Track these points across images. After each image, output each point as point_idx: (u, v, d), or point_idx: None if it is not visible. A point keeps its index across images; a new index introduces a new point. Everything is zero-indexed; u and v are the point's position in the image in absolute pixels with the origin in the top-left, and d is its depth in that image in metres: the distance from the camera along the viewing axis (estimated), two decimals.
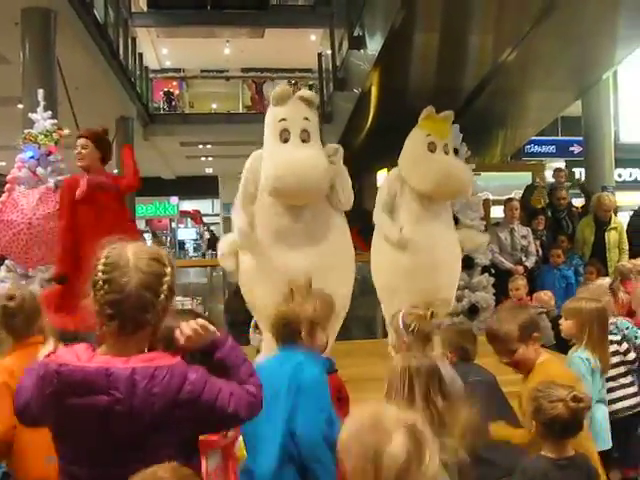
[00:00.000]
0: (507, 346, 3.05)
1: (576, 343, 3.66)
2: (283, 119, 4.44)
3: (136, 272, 1.70)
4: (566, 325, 3.69)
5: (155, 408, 1.65)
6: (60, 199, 5.37)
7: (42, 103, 6.52)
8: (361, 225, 5.44)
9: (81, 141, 5.24)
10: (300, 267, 4.23)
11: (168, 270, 1.77)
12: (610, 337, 3.91)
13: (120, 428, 1.66)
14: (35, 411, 1.75)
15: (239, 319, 6.17)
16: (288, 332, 2.75)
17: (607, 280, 6.37)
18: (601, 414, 3.54)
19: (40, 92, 6.65)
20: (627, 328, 4.43)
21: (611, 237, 7.81)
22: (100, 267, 1.72)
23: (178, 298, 6.87)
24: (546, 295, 6.31)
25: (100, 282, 1.71)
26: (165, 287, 1.75)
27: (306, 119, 4.45)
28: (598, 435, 3.46)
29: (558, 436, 2.51)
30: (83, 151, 5.21)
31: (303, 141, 4.39)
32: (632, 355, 4.12)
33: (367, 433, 1.51)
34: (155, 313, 1.74)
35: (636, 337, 4.46)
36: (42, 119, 6.40)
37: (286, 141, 4.39)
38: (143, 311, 1.71)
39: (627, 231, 8.02)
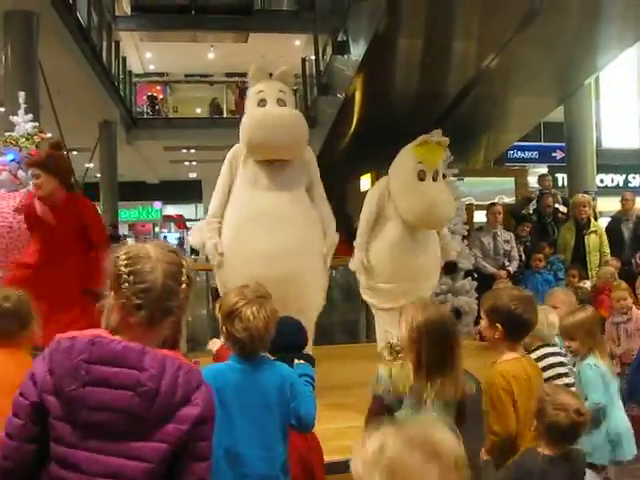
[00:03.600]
0: (481, 314, 3.13)
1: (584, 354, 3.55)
2: (260, 91, 4.73)
3: (159, 262, 1.80)
4: (575, 346, 3.55)
5: (176, 397, 1.72)
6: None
7: (23, 106, 6.48)
8: (343, 230, 5.46)
9: (36, 171, 4.77)
10: (275, 248, 4.46)
11: (184, 261, 1.87)
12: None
13: (142, 405, 1.70)
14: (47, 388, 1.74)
15: None
16: (262, 345, 2.59)
17: (587, 283, 6.45)
18: (621, 422, 3.43)
19: (21, 95, 6.60)
20: None
21: (591, 241, 7.86)
22: (122, 262, 1.79)
23: None
24: None
25: (124, 275, 1.78)
26: (185, 277, 1.84)
27: (281, 91, 4.75)
28: (619, 444, 3.38)
29: (555, 440, 2.57)
30: (37, 181, 4.75)
31: (280, 106, 4.68)
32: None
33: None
34: (179, 301, 1.82)
35: None
36: (23, 122, 6.36)
37: (263, 106, 4.67)
38: (169, 299, 1.80)
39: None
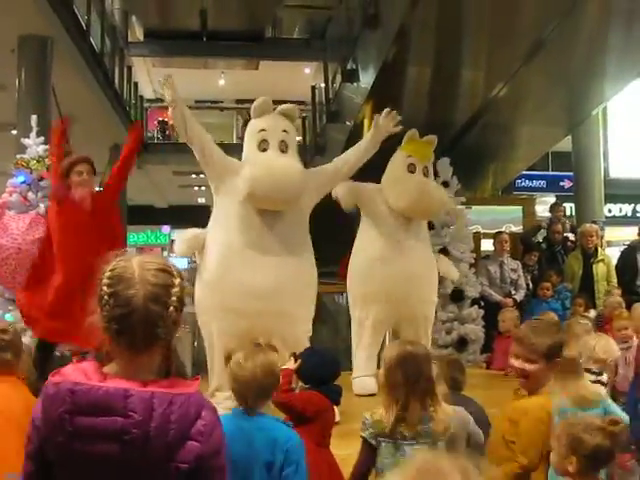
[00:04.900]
0: (529, 354, 2.93)
1: None
2: (262, 129, 4.63)
3: (143, 284, 1.61)
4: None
5: (170, 436, 1.57)
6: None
7: (35, 129, 6.54)
8: (347, 261, 5.50)
9: (87, 167, 5.04)
10: (264, 284, 4.41)
11: (177, 281, 1.66)
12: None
13: (133, 453, 1.56)
14: (40, 438, 1.63)
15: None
16: (265, 396, 2.49)
17: (592, 313, 6.42)
18: None
19: (33, 118, 6.68)
20: None
21: (599, 270, 7.84)
22: (105, 281, 1.63)
23: None
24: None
25: (105, 297, 1.61)
26: (174, 299, 1.64)
27: (285, 131, 4.66)
28: None
29: (600, 466, 2.48)
30: (86, 177, 5.02)
31: (282, 151, 4.57)
32: None
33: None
34: (165, 327, 1.63)
35: None
36: (35, 145, 6.42)
37: (264, 150, 4.57)
38: (154, 325, 1.61)
39: (616, 266, 8.06)
